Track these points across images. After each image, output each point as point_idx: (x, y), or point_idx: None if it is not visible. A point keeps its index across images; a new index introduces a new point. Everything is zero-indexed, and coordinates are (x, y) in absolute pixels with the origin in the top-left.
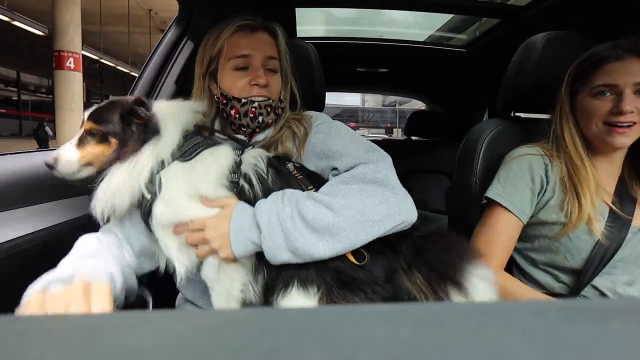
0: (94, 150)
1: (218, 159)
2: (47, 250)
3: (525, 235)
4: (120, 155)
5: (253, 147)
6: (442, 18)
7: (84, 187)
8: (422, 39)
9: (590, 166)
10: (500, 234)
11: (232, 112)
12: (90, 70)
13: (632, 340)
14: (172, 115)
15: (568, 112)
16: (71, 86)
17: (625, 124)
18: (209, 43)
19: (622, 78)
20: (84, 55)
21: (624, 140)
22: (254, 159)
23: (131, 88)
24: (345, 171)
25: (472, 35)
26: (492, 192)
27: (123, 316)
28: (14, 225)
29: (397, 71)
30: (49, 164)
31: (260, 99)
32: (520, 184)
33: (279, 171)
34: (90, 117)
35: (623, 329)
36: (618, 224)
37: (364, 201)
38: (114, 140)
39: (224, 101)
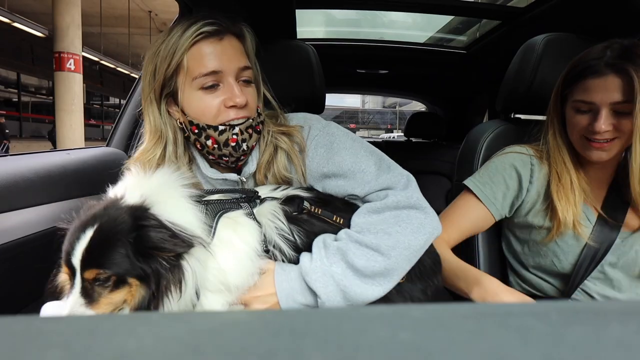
0: (114, 299)
1: (244, 237)
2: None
3: (515, 238)
4: (154, 293)
5: (259, 197)
6: (443, 20)
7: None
8: (422, 41)
9: (575, 173)
10: (461, 215)
11: (209, 142)
12: (91, 71)
13: (632, 342)
14: (176, 205)
15: (556, 117)
16: (71, 87)
17: (601, 140)
18: (161, 58)
19: (600, 96)
20: (84, 57)
21: (601, 154)
22: (272, 220)
23: (131, 89)
24: (366, 195)
25: (472, 37)
26: (468, 179)
27: (122, 317)
28: (29, 222)
29: (398, 73)
30: None
31: (241, 121)
32: (497, 177)
33: (300, 221)
34: (87, 264)
35: (623, 331)
36: (606, 228)
37: (404, 232)
38: (134, 281)
39: (196, 130)
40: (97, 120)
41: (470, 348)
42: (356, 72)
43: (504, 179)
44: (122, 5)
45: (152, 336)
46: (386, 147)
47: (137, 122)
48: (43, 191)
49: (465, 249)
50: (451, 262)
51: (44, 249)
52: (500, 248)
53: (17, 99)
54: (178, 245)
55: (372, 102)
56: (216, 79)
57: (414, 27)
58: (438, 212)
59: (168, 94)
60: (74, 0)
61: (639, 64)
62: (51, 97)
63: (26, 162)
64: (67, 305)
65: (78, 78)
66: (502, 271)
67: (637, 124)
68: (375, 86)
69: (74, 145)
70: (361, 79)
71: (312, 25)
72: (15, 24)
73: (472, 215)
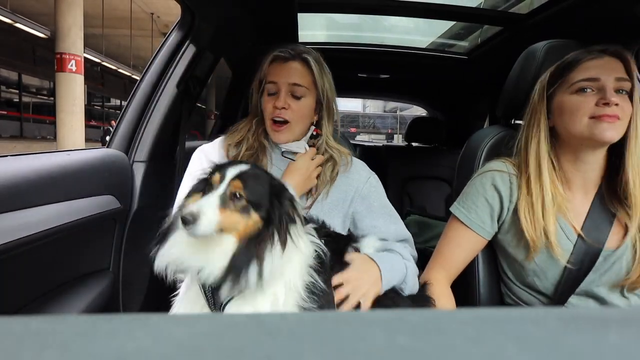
0: (234, 218)
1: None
2: (63, 245)
3: (501, 255)
4: (260, 238)
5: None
6: (444, 25)
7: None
8: (423, 46)
9: (552, 186)
10: (455, 246)
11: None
12: (92, 72)
13: (630, 349)
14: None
15: (541, 119)
16: (72, 88)
17: (612, 115)
18: (260, 68)
19: (604, 72)
20: (85, 58)
21: (612, 132)
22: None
23: (132, 91)
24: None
25: (474, 43)
26: (453, 206)
27: (121, 319)
28: (30, 222)
29: (399, 77)
30: (187, 220)
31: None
32: (479, 199)
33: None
34: (237, 178)
35: (621, 338)
36: (587, 248)
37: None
38: (255, 216)
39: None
40: (98, 121)
41: (468, 354)
42: (357, 77)
43: (487, 200)
44: (124, 7)
45: (151, 338)
46: (386, 152)
47: (138, 124)
48: (44, 192)
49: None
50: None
51: (43, 250)
52: (499, 257)
53: (18, 99)
54: (298, 208)
55: (372, 106)
56: (275, 88)
57: (416, 32)
58: (438, 217)
59: (261, 91)
60: (76, 2)
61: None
62: (52, 98)
63: (27, 162)
64: (205, 199)
65: (79, 79)
66: (500, 278)
67: (636, 104)
68: (376, 90)
69: (74, 146)
70: (362, 83)
71: (313, 29)
72: (17, 25)
73: (465, 244)
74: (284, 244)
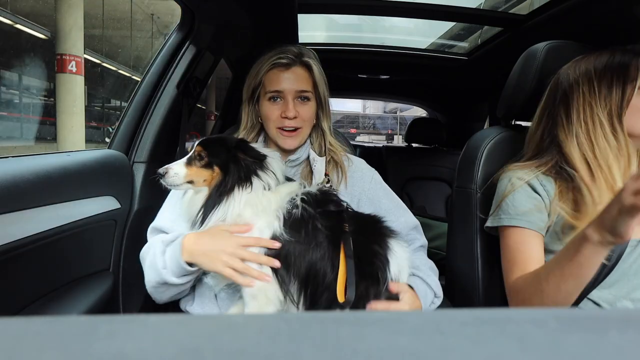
0: (200, 172)
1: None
2: (63, 246)
3: None
4: (223, 185)
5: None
6: (444, 26)
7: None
8: (423, 47)
9: (590, 177)
10: (531, 257)
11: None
12: (92, 73)
13: (630, 350)
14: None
15: (600, 114)
16: (73, 89)
17: None
18: (252, 75)
19: None
20: (86, 59)
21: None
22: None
23: (133, 92)
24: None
25: (474, 43)
26: (513, 220)
27: (121, 319)
28: (29, 223)
29: (399, 78)
30: (159, 174)
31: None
32: (530, 201)
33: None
34: (200, 143)
35: (621, 339)
36: None
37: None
38: (217, 170)
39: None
40: (98, 122)
41: (468, 354)
42: (357, 77)
43: (535, 200)
44: (125, 8)
45: (151, 339)
46: (387, 152)
47: (138, 125)
48: (44, 193)
49: (465, 256)
50: (544, 269)
51: (44, 251)
52: (499, 257)
53: (18, 100)
54: (257, 156)
55: (373, 107)
56: (279, 95)
57: (416, 33)
58: (438, 217)
59: (256, 98)
60: (76, 3)
61: None
62: (52, 99)
63: (26, 163)
64: (175, 163)
65: (79, 80)
66: (500, 279)
67: None
68: (376, 91)
69: (74, 147)
70: (362, 84)
71: (313, 29)
72: (18, 26)
73: (535, 247)
74: (233, 189)
